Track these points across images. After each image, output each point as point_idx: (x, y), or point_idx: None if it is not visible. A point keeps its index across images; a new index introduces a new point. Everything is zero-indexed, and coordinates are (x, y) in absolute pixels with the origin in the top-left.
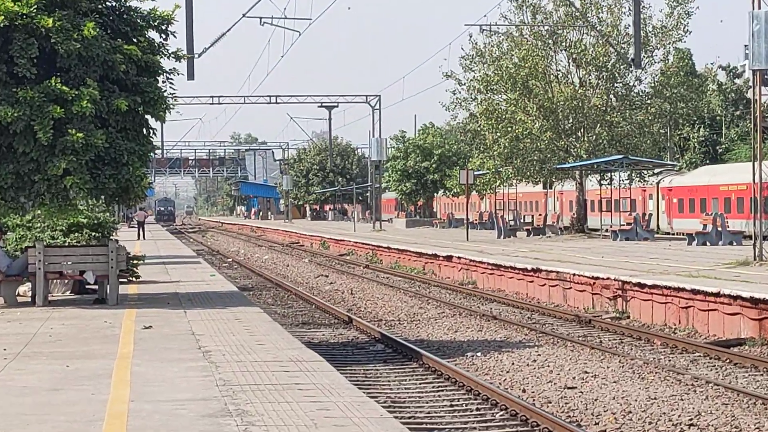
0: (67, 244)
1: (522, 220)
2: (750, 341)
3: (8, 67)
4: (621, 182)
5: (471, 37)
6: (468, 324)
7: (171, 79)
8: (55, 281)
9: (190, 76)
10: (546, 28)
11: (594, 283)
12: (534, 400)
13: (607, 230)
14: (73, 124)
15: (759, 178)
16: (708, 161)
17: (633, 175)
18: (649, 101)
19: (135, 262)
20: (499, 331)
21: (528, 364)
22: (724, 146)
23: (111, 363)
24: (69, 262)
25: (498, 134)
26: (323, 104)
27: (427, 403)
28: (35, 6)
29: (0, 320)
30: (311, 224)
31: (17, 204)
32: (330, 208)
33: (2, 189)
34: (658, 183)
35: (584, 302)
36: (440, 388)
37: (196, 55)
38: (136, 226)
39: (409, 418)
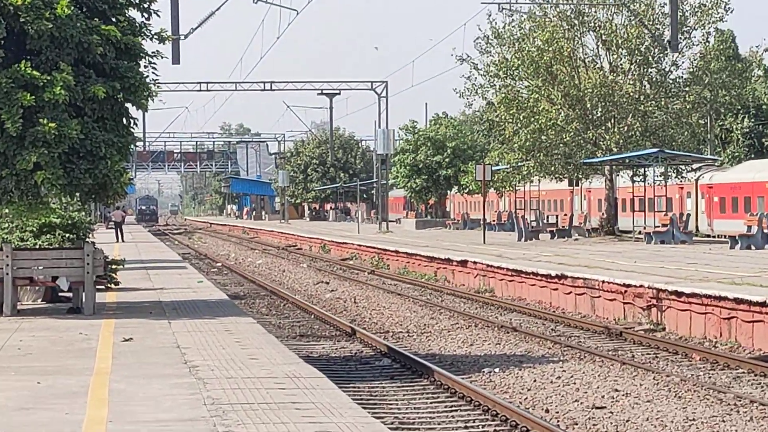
0: (38, 246)
1: (545, 221)
2: None
3: None
4: (656, 179)
5: (489, 16)
6: (485, 336)
7: (154, 63)
8: (24, 288)
9: (176, 59)
10: (572, 6)
11: (625, 291)
12: (558, 421)
13: (640, 232)
14: (44, 112)
15: None
16: (753, 155)
17: (669, 170)
18: (686, 88)
19: (114, 267)
20: (520, 345)
21: (552, 381)
22: None
23: (87, 379)
24: (40, 267)
25: (518, 125)
26: (323, 92)
27: (438, 424)
28: None
29: None
30: (310, 225)
31: None
32: (331, 207)
33: None
34: (697, 179)
35: (614, 312)
36: (454, 408)
37: (182, 37)
38: (114, 227)
39: None
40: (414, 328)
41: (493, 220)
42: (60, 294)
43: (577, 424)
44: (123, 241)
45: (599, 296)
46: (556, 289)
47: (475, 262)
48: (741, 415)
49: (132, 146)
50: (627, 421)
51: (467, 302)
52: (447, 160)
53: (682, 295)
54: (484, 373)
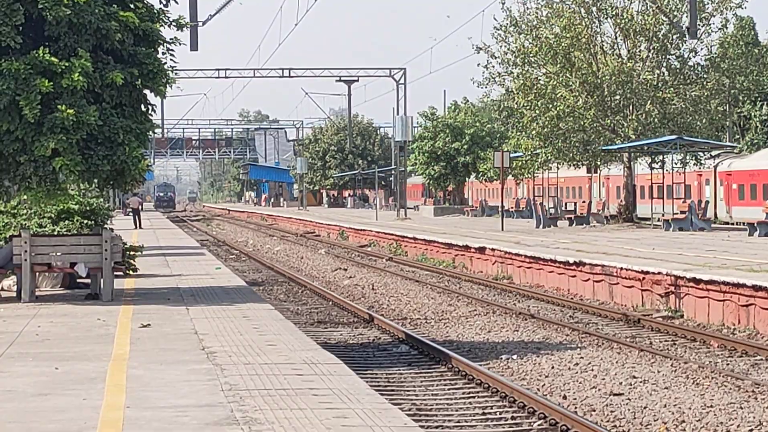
0: (56, 233)
1: (563, 208)
2: None
3: None
4: (674, 166)
5: (504, 4)
6: (502, 323)
7: (172, 49)
8: (43, 274)
9: (194, 46)
10: None
11: (644, 278)
12: (576, 408)
13: (658, 219)
14: (62, 99)
15: None
16: None
17: (687, 157)
18: (705, 75)
19: (132, 253)
20: (538, 332)
21: (569, 368)
22: None
23: (105, 365)
24: (58, 253)
25: (536, 112)
26: (342, 78)
27: (456, 410)
28: None
29: None
30: (328, 212)
31: (1, 188)
32: (349, 194)
33: None
34: (715, 166)
35: (632, 299)
36: (471, 395)
37: (200, 23)
38: (131, 214)
39: (437, 427)
40: (432, 315)
41: (512, 207)
42: (78, 280)
43: (594, 411)
44: (141, 227)
45: (617, 283)
46: (574, 276)
47: (493, 249)
48: (759, 402)
49: (150, 133)
50: (644, 407)
51: (485, 289)
52: (465, 147)
53: (700, 282)
54: (502, 359)
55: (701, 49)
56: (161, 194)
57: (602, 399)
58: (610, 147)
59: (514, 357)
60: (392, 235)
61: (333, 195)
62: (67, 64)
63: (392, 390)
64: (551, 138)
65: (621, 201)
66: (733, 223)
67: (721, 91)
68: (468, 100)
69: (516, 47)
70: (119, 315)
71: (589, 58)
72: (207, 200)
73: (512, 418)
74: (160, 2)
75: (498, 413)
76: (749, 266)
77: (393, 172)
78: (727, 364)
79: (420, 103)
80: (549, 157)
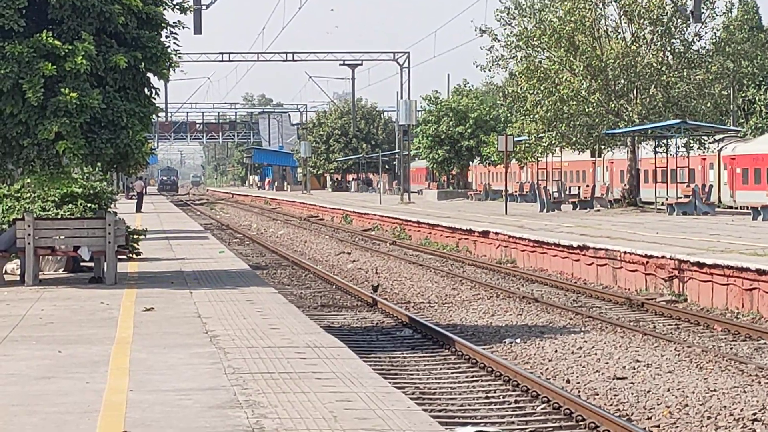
0: (59, 216)
1: (567, 192)
2: None
3: None
4: (678, 150)
5: None
6: (506, 307)
7: (175, 33)
8: (46, 258)
9: (197, 29)
10: None
11: (647, 262)
12: (579, 391)
13: (662, 203)
14: (66, 82)
15: None
16: None
17: (691, 141)
18: (709, 59)
19: (135, 237)
20: (541, 315)
21: (573, 352)
22: None
23: (108, 349)
24: (62, 237)
25: (540, 96)
26: (345, 62)
27: (459, 394)
28: None
29: None
30: (332, 196)
31: (4, 171)
32: (353, 178)
33: None
34: (719, 151)
35: (636, 283)
36: (475, 378)
37: (204, 7)
38: (136, 197)
39: (440, 410)
40: (435, 299)
41: (515, 191)
42: (82, 264)
43: (598, 395)
44: (141, 211)
45: (621, 267)
46: (578, 260)
47: (496, 233)
48: (762, 386)
49: (153, 116)
50: (648, 391)
51: (489, 273)
52: (469, 130)
53: (704, 266)
54: (506, 343)
55: (706, 33)
56: (164, 178)
57: (606, 383)
58: (614, 131)
59: (518, 341)
60: (396, 219)
61: (337, 179)
62: (70, 47)
63: (395, 374)
64: (555, 122)
65: (625, 185)
66: (736, 208)
67: (726, 75)
68: (468, 82)
69: (519, 30)
70: (122, 298)
71: (593, 41)
72: (211, 184)
73: (516, 402)
74: None
75: (501, 397)
76: (753, 250)
77: (397, 156)
78: (731, 348)
79: (424, 87)
80: (553, 141)
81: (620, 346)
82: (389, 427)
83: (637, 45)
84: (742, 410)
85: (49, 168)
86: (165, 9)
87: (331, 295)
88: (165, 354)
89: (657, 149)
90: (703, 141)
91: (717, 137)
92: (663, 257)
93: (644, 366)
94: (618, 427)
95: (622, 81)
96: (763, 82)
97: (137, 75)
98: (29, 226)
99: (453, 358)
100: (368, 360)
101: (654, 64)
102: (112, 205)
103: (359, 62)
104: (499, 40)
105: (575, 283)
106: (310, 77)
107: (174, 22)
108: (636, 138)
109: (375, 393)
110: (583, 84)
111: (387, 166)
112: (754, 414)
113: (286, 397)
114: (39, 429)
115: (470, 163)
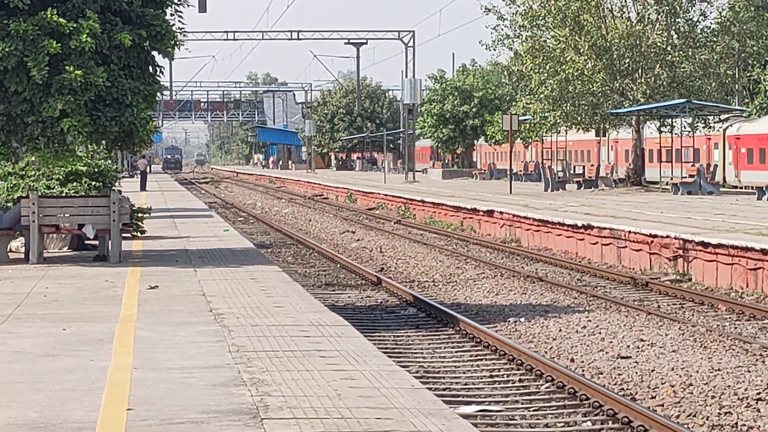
0: (64, 194)
1: (572, 172)
2: None
3: None
4: (683, 129)
5: None
6: (510, 286)
7: (180, 11)
8: (50, 236)
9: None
10: None
11: (652, 241)
12: (583, 370)
13: (667, 183)
14: (70, 60)
15: None
16: None
17: (696, 121)
18: (714, 39)
19: (140, 215)
20: (545, 294)
21: (577, 331)
22: None
23: (112, 326)
24: (66, 215)
25: (545, 75)
26: (351, 41)
27: (464, 373)
28: None
29: None
30: (336, 175)
31: (9, 149)
32: (357, 157)
33: None
34: (724, 130)
35: (641, 263)
36: (479, 357)
37: None
38: (140, 175)
39: (444, 389)
40: (440, 278)
41: (520, 171)
42: (86, 242)
43: (602, 374)
44: (145, 189)
45: (625, 246)
46: (583, 240)
47: (501, 212)
48: (766, 366)
49: (158, 94)
50: (652, 371)
51: (493, 252)
52: (474, 110)
53: (708, 245)
54: (510, 322)
55: (711, 12)
56: (169, 156)
57: (610, 362)
58: (618, 110)
59: (522, 320)
60: (400, 198)
61: (341, 158)
62: (75, 25)
63: (400, 352)
64: (559, 101)
65: (629, 164)
66: (741, 187)
67: (731, 54)
68: (476, 62)
69: (525, 9)
70: (127, 276)
71: (598, 21)
72: (215, 163)
73: (520, 380)
74: None
75: (505, 376)
76: (758, 230)
77: (401, 134)
78: (735, 328)
79: (429, 66)
80: (557, 121)
81: (624, 326)
82: (393, 405)
83: (642, 24)
84: (746, 389)
85: (53, 146)
86: None
87: (335, 273)
88: (169, 332)
89: (662, 129)
90: (708, 121)
91: (722, 117)
92: (667, 237)
93: (648, 345)
94: (622, 406)
95: (627, 60)
96: None
97: (142, 53)
98: (34, 203)
99: (457, 337)
100: (372, 338)
101: (659, 44)
102: (116, 183)
103: (364, 41)
104: (504, 19)
105: (579, 262)
106: (315, 56)
107: (179, 0)
108: (641, 117)
109: (379, 371)
110: (587, 63)
111: (392, 145)
112: (758, 393)
113: (290, 375)
114: (43, 406)
115: (475, 142)
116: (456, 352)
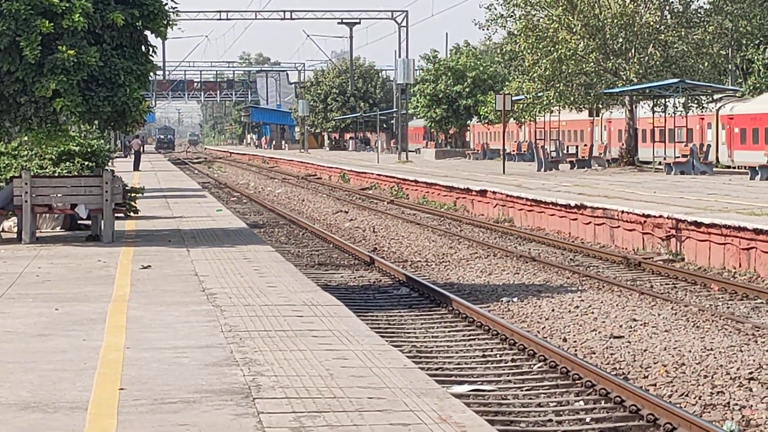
0: (57, 174)
1: (565, 151)
2: None
3: None
4: (676, 109)
5: None
6: (503, 266)
7: None
8: (43, 215)
9: None
10: None
11: (645, 221)
12: (576, 350)
13: (660, 163)
14: (63, 40)
15: None
16: None
17: (690, 101)
18: (707, 18)
19: (133, 195)
20: (538, 274)
21: (570, 311)
22: None
23: (105, 306)
24: (59, 195)
25: (538, 55)
26: (344, 21)
27: (456, 353)
28: None
29: None
30: (330, 155)
31: (1, 129)
32: (351, 137)
33: None
34: (717, 110)
35: (633, 243)
36: (471, 337)
37: None
38: (133, 155)
39: (437, 369)
40: (433, 258)
41: (513, 151)
42: (79, 222)
43: (594, 354)
44: (138, 170)
45: (618, 226)
46: (575, 219)
47: (494, 192)
48: (759, 345)
49: (151, 74)
50: (644, 350)
51: (486, 232)
52: (467, 90)
53: (701, 225)
54: (502, 302)
55: None
56: (162, 136)
57: (602, 342)
58: (611, 90)
59: (515, 300)
60: (393, 178)
61: (334, 138)
62: (67, 4)
63: (392, 332)
64: (553, 81)
65: (623, 144)
66: (734, 167)
67: (724, 34)
68: (469, 44)
69: None
70: (120, 256)
71: (592, 0)
72: (208, 143)
73: (512, 360)
74: None
75: (498, 356)
76: (750, 210)
77: (394, 114)
78: (728, 308)
79: (422, 46)
80: (551, 101)
81: (617, 305)
82: (385, 384)
83: (635, 4)
84: (738, 369)
85: (46, 126)
86: None
87: (328, 253)
88: (162, 312)
89: (655, 109)
90: (701, 101)
91: (715, 97)
92: (660, 216)
93: (641, 325)
94: (614, 386)
95: (620, 40)
96: (762, 42)
97: (134, 33)
98: (26, 183)
99: (450, 317)
100: (365, 318)
101: (652, 24)
102: (109, 163)
103: (357, 21)
104: None
105: (572, 242)
106: (308, 36)
107: None
108: (634, 97)
109: (372, 351)
110: (580, 43)
111: (385, 125)
112: (751, 373)
113: (282, 354)
114: (35, 386)
115: (468, 122)
116: (449, 331)
